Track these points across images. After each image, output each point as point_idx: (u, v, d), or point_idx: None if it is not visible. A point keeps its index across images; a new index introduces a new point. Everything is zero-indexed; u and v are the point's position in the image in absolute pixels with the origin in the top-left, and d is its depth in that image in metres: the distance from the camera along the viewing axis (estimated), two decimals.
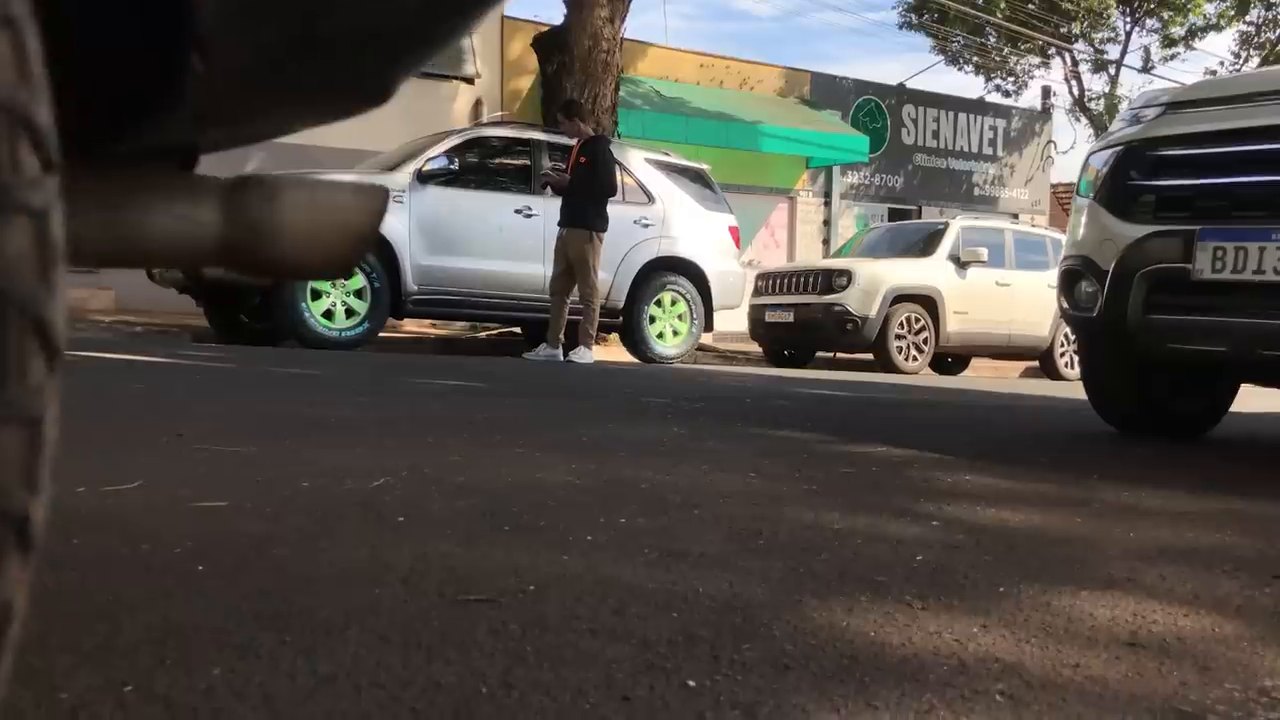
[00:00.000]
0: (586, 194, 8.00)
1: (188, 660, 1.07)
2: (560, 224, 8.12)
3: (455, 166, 8.54)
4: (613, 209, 8.89)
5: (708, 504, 2.10)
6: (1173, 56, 21.78)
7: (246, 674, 1.04)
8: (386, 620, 1.23)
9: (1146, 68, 21.69)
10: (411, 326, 11.79)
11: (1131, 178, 3.52)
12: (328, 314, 7.88)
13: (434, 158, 8.46)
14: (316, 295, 7.81)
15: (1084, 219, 3.72)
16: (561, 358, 8.14)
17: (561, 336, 8.15)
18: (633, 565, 1.57)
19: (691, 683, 1.10)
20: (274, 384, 4.63)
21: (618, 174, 8.20)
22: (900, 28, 22.55)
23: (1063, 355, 11.98)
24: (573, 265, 7.98)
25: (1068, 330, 11.59)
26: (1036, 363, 12.43)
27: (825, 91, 17.61)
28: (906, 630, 1.34)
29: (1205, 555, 1.91)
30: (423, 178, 8.32)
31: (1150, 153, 3.48)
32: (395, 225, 8.09)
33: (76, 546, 1.49)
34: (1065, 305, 3.87)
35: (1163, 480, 2.86)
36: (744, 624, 1.32)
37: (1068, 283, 3.80)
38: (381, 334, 8.66)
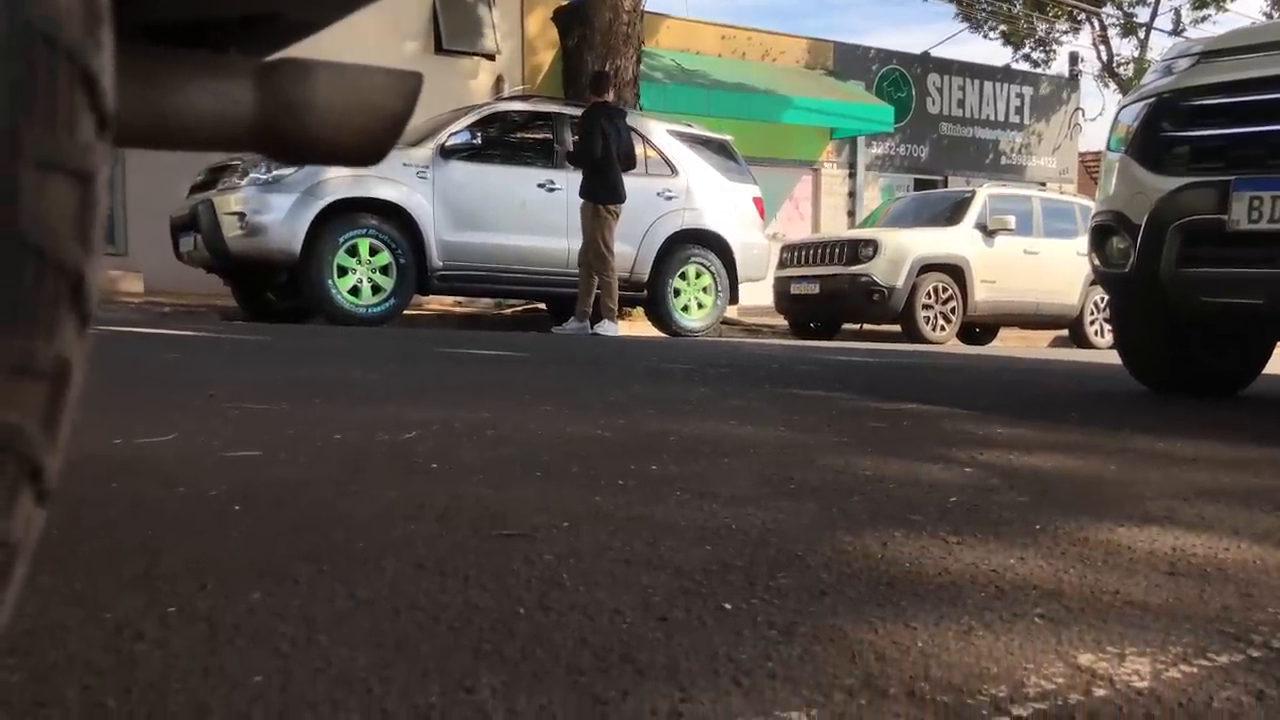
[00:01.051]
0: (584, 166, 7.94)
1: (227, 587, 1.08)
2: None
3: (478, 141, 8.52)
4: (635, 181, 8.84)
5: (737, 453, 2.09)
6: (1204, 19, 21.34)
7: (285, 598, 1.05)
8: (422, 552, 1.24)
9: (1177, 30, 21.28)
10: (436, 304, 11.83)
11: (1164, 129, 3.45)
12: (354, 290, 7.91)
13: (456, 133, 8.44)
14: (343, 272, 7.85)
15: (1115, 173, 3.66)
16: (589, 329, 8.14)
17: (589, 308, 8.14)
18: (664, 505, 1.57)
19: (728, 605, 1.10)
20: (302, 354, 4.66)
21: (597, 140, 7.96)
22: None
23: (1093, 324, 11.85)
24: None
25: (1098, 298, 11.46)
26: (1066, 332, 12.30)
27: (848, 62, 17.41)
28: (942, 561, 1.33)
29: (1243, 496, 1.88)
30: (445, 153, 8.31)
31: (1183, 103, 3.41)
32: (419, 201, 8.10)
33: (114, 490, 1.50)
34: (1096, 262, 3.81)
35: (1197, 432, 2.83)
36: (778, 555, 1.31)
37: (1099, 238, 3.75)
38: (406, 311, 8.69)
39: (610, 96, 8.42)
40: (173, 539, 1.25)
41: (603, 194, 7.91)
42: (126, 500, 1.45)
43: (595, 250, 7.95)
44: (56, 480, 0.43)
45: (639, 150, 9.28)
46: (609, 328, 8.09)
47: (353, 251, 7.89)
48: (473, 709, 0.80)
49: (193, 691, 0.81)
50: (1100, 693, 0.92)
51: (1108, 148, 3.80)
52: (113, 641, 0.91)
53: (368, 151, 0.73)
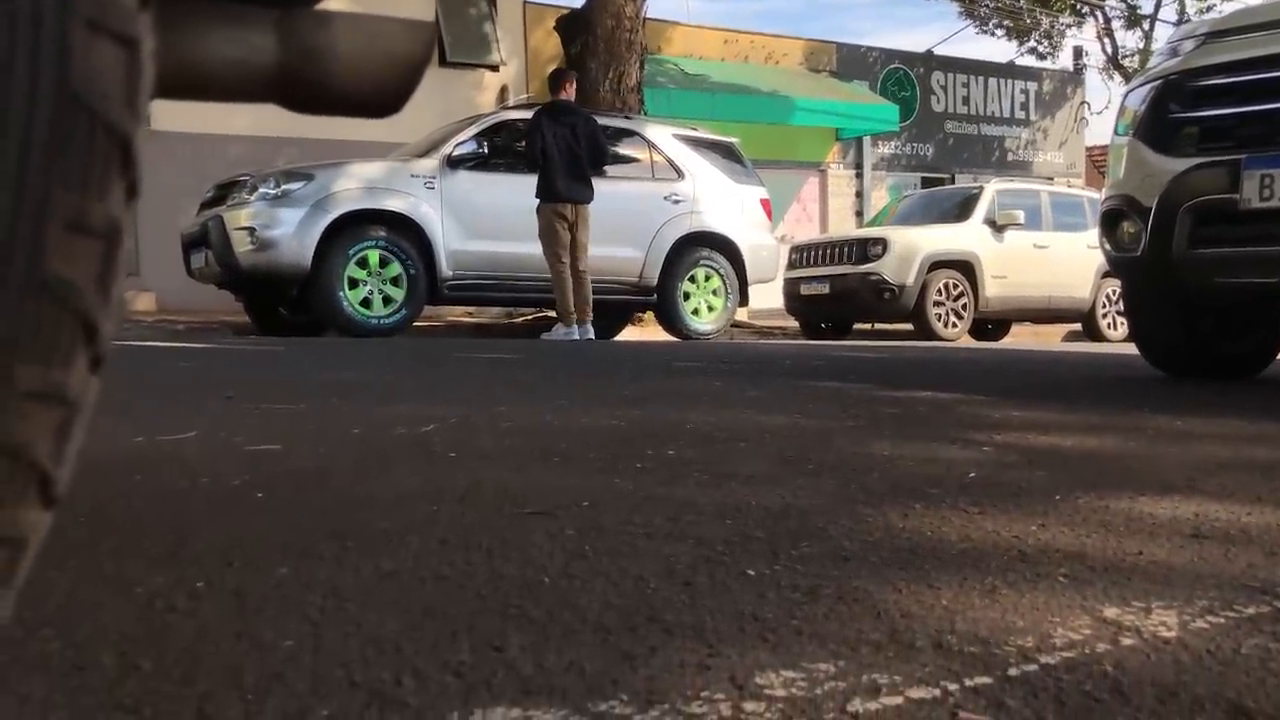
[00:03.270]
0: (534, 168, 7.90)
1: (254, 563, 1.09)
2: None
3: (484, 151, 8.54)
4: (643, 185, 8.93)
5: (755, 438, 2.09)
6: (1208, 9, 21.27)
7: (312, 572, 1.06)
8: (445, 529, 1.25)
9: (1181, 21, 21.21)
10: (447, 315, 11.87)
11: (1172, 110, 3.45)
12: (365, 302, 7.93)
13: (463, 143, 8.47)
14: (354, 284, 7.88)
15: (1124, 157, 3.65)
16: (591, 334, 8.13)
17: (570, 309, 8.04)
18: (684, 485, 1.58)
19: (751, 572, 1.10)
20: (317, 360, 4.68)
21: (535, 140, 7.80)
22: None
23: (1105, 316, 11.79)
24: None
25: (1110, 291, 11.42)
26: (1079, 326, 12.24)
27: (851, 62, 17.42)
28: (964, 529, 1.33)
29: (1265, 468, 1.88)
30: (452, 163, 8.33)
31: (1190, 84, 3.41)
32: (428, 211, 8.13)
33: (138, 482, 1.52)
34: (1107, 246, 3.80)
35: (1215, 412, 2.82)
36: (799, 527, 1.32)
37: (1109, 223, 3.74)
38: (417, 322, 8.71)
39: (566, 94, 8.33)
40: (198, 524, 1.26)
41: (541, 193, 7.87)
42: (151, 490, 1.47)
43: (544, 251, 7.91)
44: (107, 350, 0.44)
45: (644, 155, 9.30)
46: (558, 332, 8.05)
47: (363, 263, 7.92)
48: (503, 665, 0.81)
49: (225, 655, 0.82)
50: (1128, 642, 0.92)
51: (1115, 132, 3.80)
52: (144, 614, 0.92)
53: (386, 100, 0.74)
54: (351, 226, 7.84)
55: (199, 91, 0.68)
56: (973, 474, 1.74)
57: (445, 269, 8.23)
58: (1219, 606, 1.03)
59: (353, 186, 7.92)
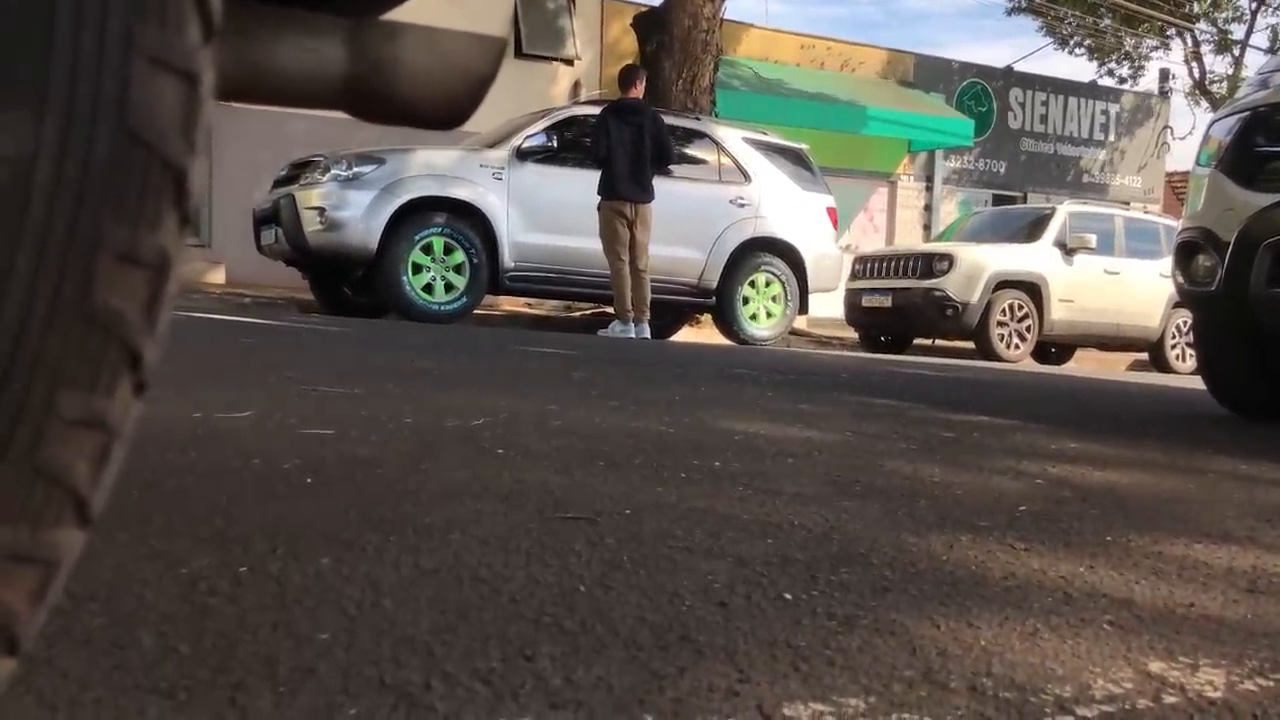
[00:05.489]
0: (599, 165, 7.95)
1: (298, 551, 1.11)
2: None
3: (553, 144, 8.59)
4: (709, 188, 8.97)
5: (803, 454, 2.08)
6: None
7: (353, 564, 1.07)
8: (487, 529, 1.26)
9: (1274, 48, 20.57)
10: (506, 305, 11.97)
11: (1258, 144, 3.34)
12: (428, 288, 8.03)
13: (532, 135, 8.53)
14: (418, 269, 7.98)
15: (1204, 189, 3.55)
16: (648, 333, 8.14)
17: (627, 309, 8.05)
18: (727, 499, 1.57)
19: (788, 595, 1.09)
20: (376, 342, 4.75)
21: (601, 139, 7.88)
22: (1009, 13, 21.81)
23: (1174, 347, 11.49)
24: None
25: (1180, 321, 11.13)
26: (1145, 355, 11.94)
27: (929, 74, 17.19)
28: (1009, 566, 1.31)
29: None
30: (521, 155, 8.40)
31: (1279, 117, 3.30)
32: (494, 201, 8.20)
33: (193, 459, 1.55)
34: (1180, 279, 3.70)
35: None
36: (841, 551, 1.30)
37: (1184, 255, 3.64)
38: (477, 310, 8.79)
39: (635, 93, 8.32)
40: (247, 505, 1.29)
41: (602, 191, 7.92)
42: (204, 468, 1.50)
43: (604, 248, 7.97)
44: (152, 378, 0.45)
45: (712, 157, 9.28)
46: (615, 329, 8.06)
47: (428, 249, 8.02)
48: (532, 675, 0.81)
49: (262, 644, 0.83)
50: (1170, 700, 0.90)
51: (1197, 163, 3.70)
52: (187, 594, 0.94)
53: (452, 113, 0.74)
54: (419, 212, 7.94)
55: (268, 97, 0.70)
56: (1023, 507, 1.71)
57: (508, 259, 8.30)
58: (1269, 668, 1.00)
59: (422, 173, 8.03)
